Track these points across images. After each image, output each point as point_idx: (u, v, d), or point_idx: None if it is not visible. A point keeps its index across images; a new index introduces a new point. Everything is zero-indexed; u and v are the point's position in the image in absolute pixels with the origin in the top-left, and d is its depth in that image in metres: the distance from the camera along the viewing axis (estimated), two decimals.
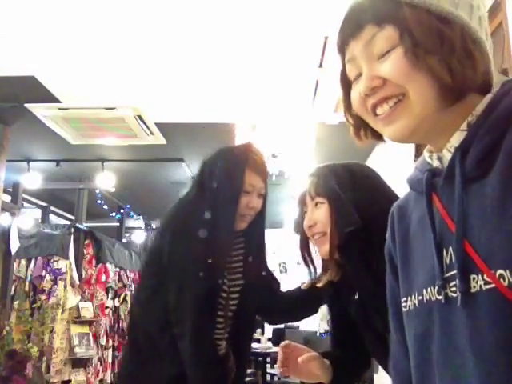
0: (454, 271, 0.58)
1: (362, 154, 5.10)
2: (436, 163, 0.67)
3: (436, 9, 0.60)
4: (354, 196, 1.19)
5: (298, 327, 7.82)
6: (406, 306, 0.68)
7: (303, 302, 1.69)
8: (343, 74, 0.71)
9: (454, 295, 0.58)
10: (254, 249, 1.63)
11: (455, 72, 0.59)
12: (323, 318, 7.07)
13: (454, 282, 0.58)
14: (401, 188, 3.36)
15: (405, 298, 0.69)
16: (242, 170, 1.51)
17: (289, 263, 9.37)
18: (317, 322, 7.40)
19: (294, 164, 3.40)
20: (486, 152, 0.59)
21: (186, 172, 5.60)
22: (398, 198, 0.84)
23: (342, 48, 0.69)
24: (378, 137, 0.71)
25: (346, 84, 0.70)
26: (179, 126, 4.21)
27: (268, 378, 5.46)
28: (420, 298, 0.65)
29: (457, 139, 0.63)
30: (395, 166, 3.80)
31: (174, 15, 2.62)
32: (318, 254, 1.33)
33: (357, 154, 5.07)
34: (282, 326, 7.81)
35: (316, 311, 1.76)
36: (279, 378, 5.68)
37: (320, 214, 1.19)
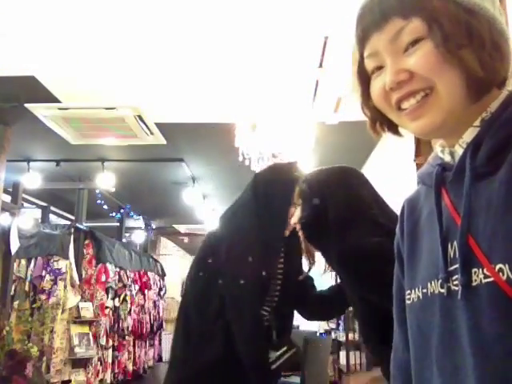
0: (457, 265, 0.58)
1: (362, 153, 5.10)
2: (447, 158, 0.66)
3: (463, 0, 0.60)
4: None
5: (298, 327, 7.82)
6: (409, 299, 0.68)
7: (332, 302, 1.97)
8: (361, 65, 0.70)
9: (456, 288, 0.58)
10: (294, 253, 1.76)
11: (486, 65, 0.59)
12: None
13: (457, 276, 0.58)
14: (400, 187, 3.39)
15: (409, 291, 0.69)
16: (293, 187, 1.62)
17: None
18: (317, 322, 7.40)
19: None
20: (496, 149, 0.58)
21: (186, 172, 5.60)
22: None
23: (363, 40, 0.68)
24: (395, 130, 0.71)
25: (364, 76, 0.70)
26: (179, 126, 4.22)
27: None
28: (424, 290, 0.65)
29: (469, 135, 0.62)
30: (395, 165, 3.80)
31: (174, 15, 2.62)
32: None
33: (356, 153, 5.08)
34: None
35: (343, 312, 2.08)
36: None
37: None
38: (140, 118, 3.80)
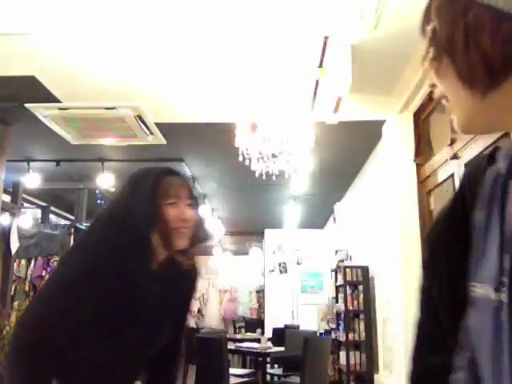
0: (506, 279, 0.57)
1: (362, 153, 5.10)
2: None
3: None
4: None
5: (298, 327, 7.83)
6: (473, 291, 0.64)
7: None
8: None
9: (504, 301, 0.57)
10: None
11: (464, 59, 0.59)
12: (324, 318, 7.07)
13: (505, 289, 0.57)
14: (400, 187, 3.37)
15: (475, 283, 0.64)
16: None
17: (289, 263, 9.38)
18: (317, 322, 7.41)
19: (294, 164, 3.40)
20: None
21: (186, 172, 5.60)
22: None
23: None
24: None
25: None
26: (179, 126, 4.22)
27: (268, 378, 5.46)
28: (482, 290, 0.62)
29: None
30: (395, 165, 3.80)
31: (174, 15, 2.62)
32: None
33: (356, 153, 5.09)
34: (282, 326, 7.83)
35: None
36: (279, 378, 5.68)
37: None
38: (140, 118, 3.80)
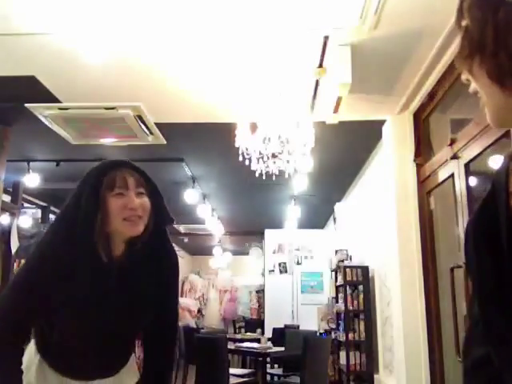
0: None
1: (362, 153, 5.10)
2: None
3: None
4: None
5: (298, 327, 7.83)
6: None
7: None
8: None
9: None
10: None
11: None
12: (324, 318, 7.07)
13: None
14: (400, 187, 3.37)
15: None
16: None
17: (289, 263, 9.38)
18: (317, 322, 7.40)
19: (294, 164, 3.40)
20: None
21: (186, 172, 5.60)
22: None
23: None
24: None
25: None
26: (179, 126, 4.22)
27: (268, 378, 5.46)
28: None
29: None
30: (395, 165, 3.80)
31: (174, 15, 2.62)
32: None
33: (356, 153, 5.09)
34: (282, 326, 7.83)
35: None
36: (279, 378, 5.68)
37: None
38: (140, 118, 3.80)
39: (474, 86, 0.67)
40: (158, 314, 1.47)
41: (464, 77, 0.68)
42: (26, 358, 1.36)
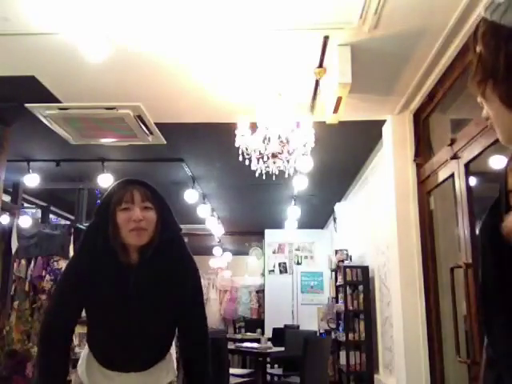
0: None
1: (362, 153, 5.10)
2: None
3: None
4: None
5: (298, 327, 7.83)
6: None
7: None
8: None
9: None
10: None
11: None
12: (323, 318, 7.07)
13: None
14: (400, 187, 3.37)
15: None
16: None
17: (289, 263, 9.38)
18: (317, 322, 7.41)
19: (294, 164, 3.40)
20: None
21: (186, 172, 5.60)
22: None
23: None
24: None
25: None
26: (179, 126, 4.22)
27: (268, 378, 5.46)
28: None
29: None
30: (395, 165, 3.80)
31: (173, 15, 2.62)
32: None
33: (356, 153, 5.09)
34: (282, 326, 7.83)
35: None
36: (279, 378, 5.68)
37: None
38: (140, 118, 3.80)
39: (485, 111, 0.71)
40: (183, 319, 1.67)
41: (479, 100, 0.72)
42: (85, 349, 1.70)
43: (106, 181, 5.17)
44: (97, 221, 1.61)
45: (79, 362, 1.66)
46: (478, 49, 0.70)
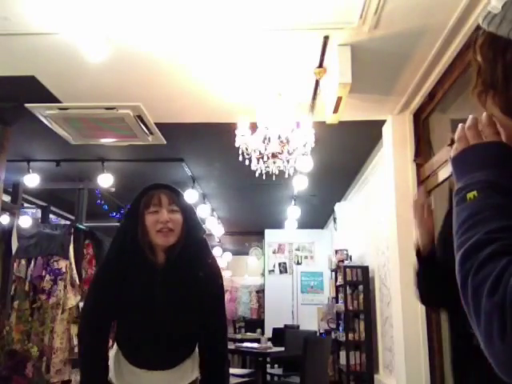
0: None
1: (362, 153, 5.10)
2: None
3: None
4: None
5: (298, 327, 7.83)
6: None
7: None
8: None
9: None
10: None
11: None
12: (323, 318, 7.07)
13: None
14: (401, 187, 3.35)
15: None
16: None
17: (289, 263, 9.38)
18: (317, 322, 7.41)
19: (294, 164, 3.40)
20: None
21: (186, 172, 5.60)
22: None
23: None
24: None
25: None
26: (179, 126, 4.22)
27: (268, 377, 5.46)
28: None
29: None
30: (395, 165, 3.80)
31: (173, 15, 2.62)
32: None
33: (356, 153, 5.08)
34: (282, 326, 7.83)
35: None
36: (279, 378, 5.68)
37: None
38: (140, 118, 3.80)
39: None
40: (205, 321, 1.72)
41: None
42: (113, 347, 1.74)
43: (105, 181, 5.17)
44: (126, 223, 1.72)
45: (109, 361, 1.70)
46: (478, 59, 0.70)
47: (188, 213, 1.72)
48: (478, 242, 0.59)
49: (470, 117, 0.71)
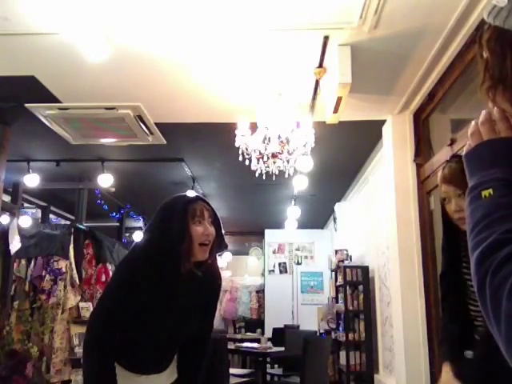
0: None
1: (362, 153, 5.10)
2: None
3: None
4: None
5: (298, 327, 7.83)
6: None
7: None
8: None
9: None
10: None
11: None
12: (323, 318, 7.07)
13: None
14: (401, 187, 3.36)
15: None
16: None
17: (289, 263, 9.37)
18: (317, 322, 7.40)
19: (294, 164, 3.40)
20: None
21: (186, 172, 5.60)
22: None
23: None
24: None
25: None
26: (179, 126, 4.22)
27: (268, 377, 5.45)
28: None
29: None
30: (395, 165, 3.80)
31: (173, 15, 2.62)
32: None
33: (356, 153, 5.08)
34: (282, 326, 7.83)
35: None
36: (279, 378, 5.68)
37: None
38: (140, 118, 3.80)
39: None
40: (204, 322, 1.76)
41: (490, 105, 0.72)
42: None
43: (105, 181, 5.17)
44: (162, 228, 1.66)
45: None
46: (485, 55, 0.68)
47: (220, 229, 1.76)
48: (495, 242, 0.57)
49: (484, 112, 0.70)
